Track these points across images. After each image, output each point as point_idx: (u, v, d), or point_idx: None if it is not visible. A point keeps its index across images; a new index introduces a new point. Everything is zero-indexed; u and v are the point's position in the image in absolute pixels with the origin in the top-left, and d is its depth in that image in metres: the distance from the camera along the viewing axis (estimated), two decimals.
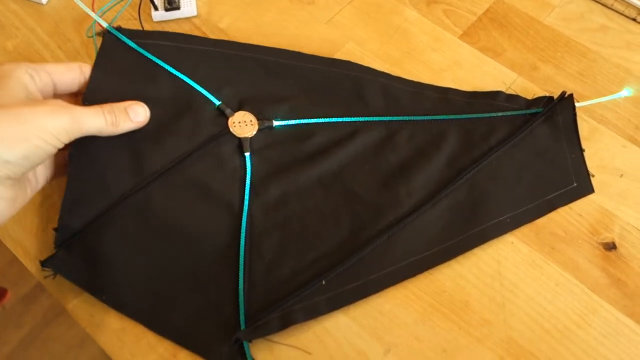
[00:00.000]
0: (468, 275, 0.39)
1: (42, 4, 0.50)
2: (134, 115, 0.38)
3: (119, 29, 0.44)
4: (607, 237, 0.40)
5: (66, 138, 0.33)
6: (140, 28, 0.48)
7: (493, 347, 0.36)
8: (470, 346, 0.36)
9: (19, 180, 0.33)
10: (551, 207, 0.41)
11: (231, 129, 0.41)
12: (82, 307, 0.37)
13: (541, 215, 0.41)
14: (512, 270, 0.39)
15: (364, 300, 0.38)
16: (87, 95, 0.39)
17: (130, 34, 0.44)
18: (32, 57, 0.47)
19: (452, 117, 0.44)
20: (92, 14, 0.44)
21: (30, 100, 0.33)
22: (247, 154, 0.41)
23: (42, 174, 0.37)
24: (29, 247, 0.39)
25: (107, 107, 0.36)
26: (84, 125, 0.34)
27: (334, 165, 0.41)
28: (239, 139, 0.41)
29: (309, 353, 0.36)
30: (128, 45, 0.44)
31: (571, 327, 0.37)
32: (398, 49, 0.49)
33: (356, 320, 0.37)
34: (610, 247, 0.40)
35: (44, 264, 0.36)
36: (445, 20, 0.50)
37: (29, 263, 0.39)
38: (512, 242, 0.40)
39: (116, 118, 0.36)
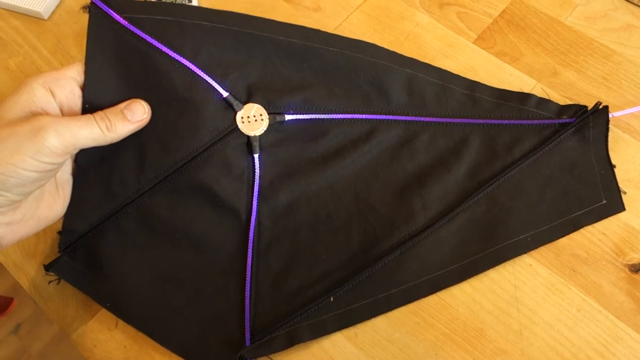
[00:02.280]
0: (483, 301, 0.37)
1: (43, 19, 0.49)
2: (131, 115, 0.35)
3: (106, 0, 0.38)
4: (634, 257, 0.38)
5: (58, 157, 0.31)
6: None
7: None
8: None
9: (19, 203, 0.32)
10: (576, 225, 0.39)
11: (239, 126, 0.38)
12: (85, 336, 0.37)
13: (565, 234, 0.38)
14: (530, 295, 0.37)
15: (372, 327, 0.36)
16: (86, 97, 0.36)
17: (121, 6, 0.38)
18: (34, 75, 0.47)
19: (476, 121, 0.41)
20: None
21: (19, 120, 0.31)
22: (256, 155, 0.38)
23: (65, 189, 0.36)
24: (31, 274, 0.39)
25: (99, 114, 0.34)
26: (76, 139, 0.32)
27: (348, 170, 0.39)
28: (248, 136, 0.38)
29: None
30: (118, 23, 0.38)
31: (594, 357, 0.35)
32: (409, 55, 0.46)
33: (364, 349, 0.36)
34: (637, 269, 0.37)
35: (48, 268, 0.36)
36: (458, 24, 0.48)
37: (32, 291, 0.38)
38: (531, 265, 0.38)
39: (111, 123, 0.34)
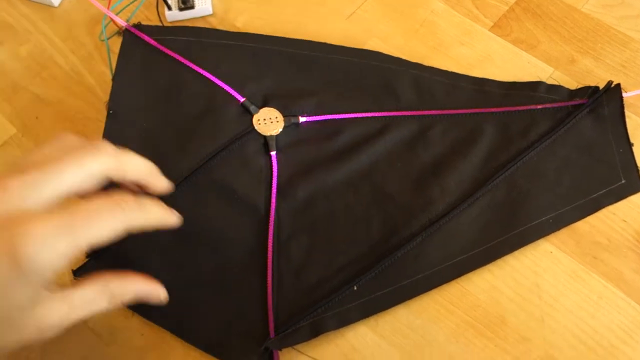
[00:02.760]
0: (504, 288, 0.36)
1: (54, 7, 0.49)
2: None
3: (138, 26, 0.44)
4: None
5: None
6: (160, 24, 0.47)
7: None
8: None
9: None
10: (597, 206, 0.38)
11: (256, 127, 0.40)
12: (102, 324, 0.36)
13: (586, 215, 0.38)
14: (551, 282, 0.37)
15: (393, 315, 0.36)
16: (111, 104, 0.40)
17: (150, 30, 0.44)
18: (46, 62, 0.46)
19: (488, 111, 0.41)
20: (110, 14, 0.42)
21: None
22: (272, 153, 0.40)
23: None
24: None
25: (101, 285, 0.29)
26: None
27: (364, 164, 0.40)
28: (265, 137, 0.40)
29: None
30: (147, 43, 0.43)
31: (616, 343, 0.35)
32: (424, 43, 0.46)
33: (385, 337, 0.35)
34: None
35: (76, 273, 0.36)
36: (474, 11, 0.47)
37: None
38: (551, 252, 0.37)
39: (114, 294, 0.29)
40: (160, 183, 0.33)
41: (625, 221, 0.38)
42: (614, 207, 0.39)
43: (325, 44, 0.44)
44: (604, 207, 0.38)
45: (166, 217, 0.31)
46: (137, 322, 0.36)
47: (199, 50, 0.43)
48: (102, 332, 0.36)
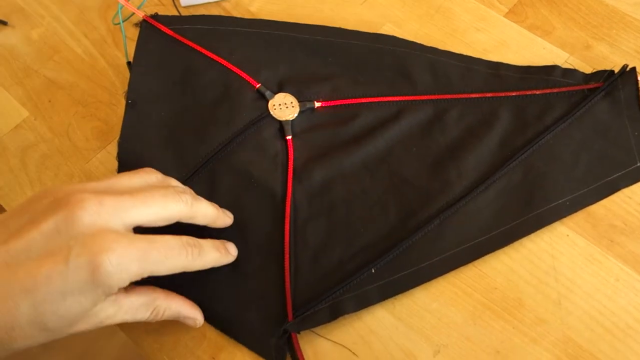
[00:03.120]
0: (520, 271, 0.37)
1: None
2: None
3: (155, 16, 0.44)
4: None
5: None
6: (176, 13, 0.46)
7: (550, 347, 0.34)
8: (525, 347, 0.34)
9: None
10: (614, 188, 0.38)
11: (271, 112, 0.40)
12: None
13: (603, 197, 0.38)
14: (568, 265, 0.37)
15: (411, 298, 0.36)
16: (130, 94, 0.41)
17: (167, 20, 0.44)
18: (58, 46, 0.46)
19: (504, 95, 0.41)
20: (130, 6, 0.42)
21: None
22: (288, 138, 0.40)
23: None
24: None
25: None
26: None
27: (380, 148, 0.40)
28: (280, 122, 0.40)
29: (356, 355, 0.34)
30: (164, 33, 0.43)
31: (634, 325, 0.35)
32: (439, 29, 0.46)
33: (402, 319, 0.35)
34: None
35: None
36: None
37: None
38: (568, 235, 0.37)
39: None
40: (222, 223, 0.36)
41: None
42: (630, 190, 0.39)
43: (339, 28, 0.44)
44: (620, 189, 0.38)
45: (220, 261, 0.34)
46: None
47: (214, 38, 0.43)
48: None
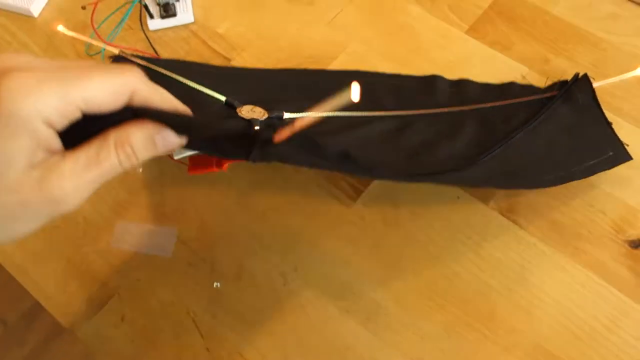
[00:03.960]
0: (491, 282, 0.37)
1: (33, 17, 0.48)
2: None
3: (130, 55, 0.42)
4: (633, 234, 0.39)
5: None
6: (144, 37, 0.47)
7: (522, 356, 0.35)
8: (498, 356, 0.35)
9: None
10: (592, 172, 0.39)
11: (240, 115, 0.38)
12: (90, 333, 0.36)
13: (582, 177, 0.39)
14: (536, 274, 0.37)
15: (384, 312, 0.36)
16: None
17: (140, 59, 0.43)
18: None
19: (466, 108, 0.42)
20: (98, 43, 0.42)
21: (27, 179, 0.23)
22: (256, 127, 0.37)
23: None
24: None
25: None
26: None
27: (353, 144, 0.38)
28: (249, 120, 0.38)
29: None
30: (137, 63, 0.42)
31: (601, 330, 0.36)
32: (404, 47, 0.47)
33: (377, 334, 0.36)
34: (637, 244, 0.38)
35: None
36: (450, 15, 0.49)
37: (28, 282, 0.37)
38: (535, 244, 0.38)
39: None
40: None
41: (603, 213, 0.39)
42: (592, 199, 0.40)
43: (306, 69, 0.46)
44: (598, 172, 0.39)
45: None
46: (127, 330, 0.36)
47: (184, 71, 0.43)
48: (91, 341, 0.36)
